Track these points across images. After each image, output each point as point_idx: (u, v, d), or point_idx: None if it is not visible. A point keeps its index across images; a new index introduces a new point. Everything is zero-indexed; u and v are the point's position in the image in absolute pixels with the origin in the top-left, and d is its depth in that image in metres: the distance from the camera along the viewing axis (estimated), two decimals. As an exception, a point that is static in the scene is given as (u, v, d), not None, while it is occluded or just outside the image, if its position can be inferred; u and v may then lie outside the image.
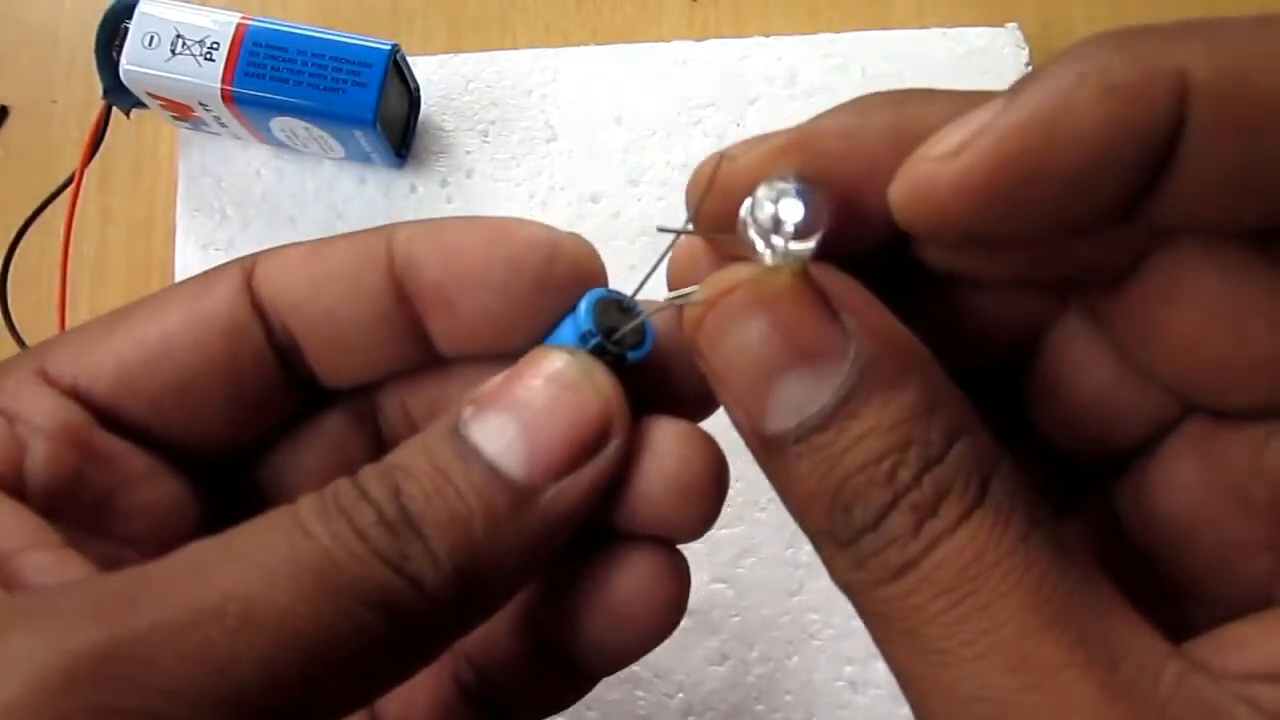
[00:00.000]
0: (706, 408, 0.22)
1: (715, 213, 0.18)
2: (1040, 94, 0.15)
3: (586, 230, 0.41)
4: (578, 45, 0.44)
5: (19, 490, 0.19)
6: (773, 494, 0.42)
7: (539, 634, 0.23)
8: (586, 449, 0.19)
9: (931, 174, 0.16)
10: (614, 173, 0.42)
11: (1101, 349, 0.19)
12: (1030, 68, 0.42)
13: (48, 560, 0.18)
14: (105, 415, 0.21)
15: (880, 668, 0.37)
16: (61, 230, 0.38)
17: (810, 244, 0.17)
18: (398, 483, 0.18)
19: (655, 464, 0.20)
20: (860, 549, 0.17)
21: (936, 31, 0.43)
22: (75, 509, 0.20)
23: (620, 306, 0.21)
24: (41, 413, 0.20)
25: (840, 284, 0.17)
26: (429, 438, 0.19)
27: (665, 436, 0.20)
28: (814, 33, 0.43)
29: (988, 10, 0.44)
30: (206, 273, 0.22)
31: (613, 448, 0.19)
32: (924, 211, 0.17)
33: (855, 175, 0.17)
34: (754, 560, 0.38)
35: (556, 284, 0.21)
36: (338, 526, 0.17)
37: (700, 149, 0.42)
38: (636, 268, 0.41)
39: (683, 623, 0.40)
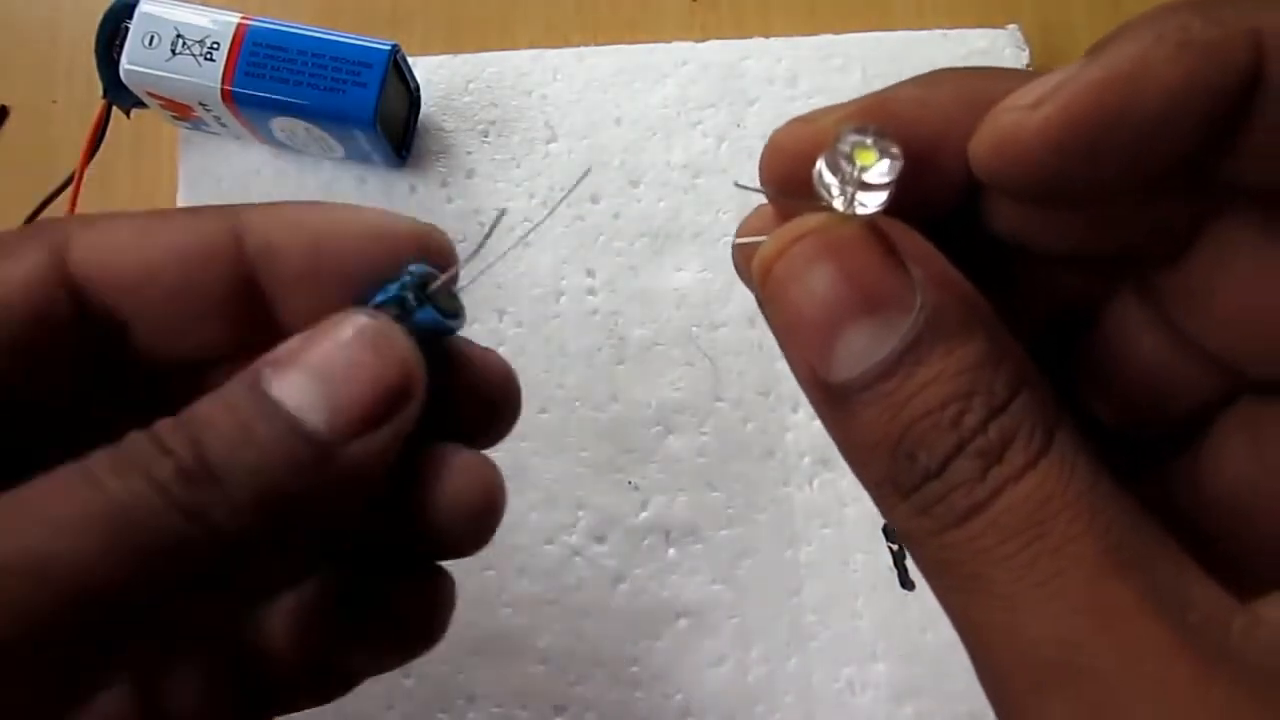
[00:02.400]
0: (503, 432, 0.23)
1: (787, 176, 0.19)
2: (1120, 51, 0.16)
3: (587, 230, 0.41)
4: (578, 45, 0.44)
5: None
6: (772, 496, 0.42)
7: (314, 651, 0.23)
8: (388, 407, 0.19)
9: (1014, 123, 0.16)
10: (614, 173, 0.42)
11: (1155, 325, 0.20)
12: (1030, 69, 0.42)
13: None
14: None
15: (880, 669, 0.37)
16: (61, 230, 0.38)
17: (883, 195, 0.17)
18: (197, 435, 0.18)
19: (443, 488, 0.21)
20: (925, 495, 0.17)
21: (937, 32, 0.43)
22: None
23: (448, 290, 0.21)
24: None
25: (908, 236, 0.18)
26: (228, 394, 0.19)
27: (457, 464, 0.21)
28: (814, 34, 0.43)
29: (988, 11, 0.44)
30: (4, 235, 0.21)
31: (413, 406, 0.20)
32: (1005, 161, 0.17)
33: (928, 136, 0.18)
34: (753, 562, 0.38)
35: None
36: (132, 481, 0.17)
37: (700, 149, 0.42)
38: (636, 268, 0.41)
39: (682, 624, 0.40)
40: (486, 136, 0.42)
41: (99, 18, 0.38)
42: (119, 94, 0.39)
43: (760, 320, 0.40)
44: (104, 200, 0.43)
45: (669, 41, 0.43)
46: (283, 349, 0.19)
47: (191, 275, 0.21)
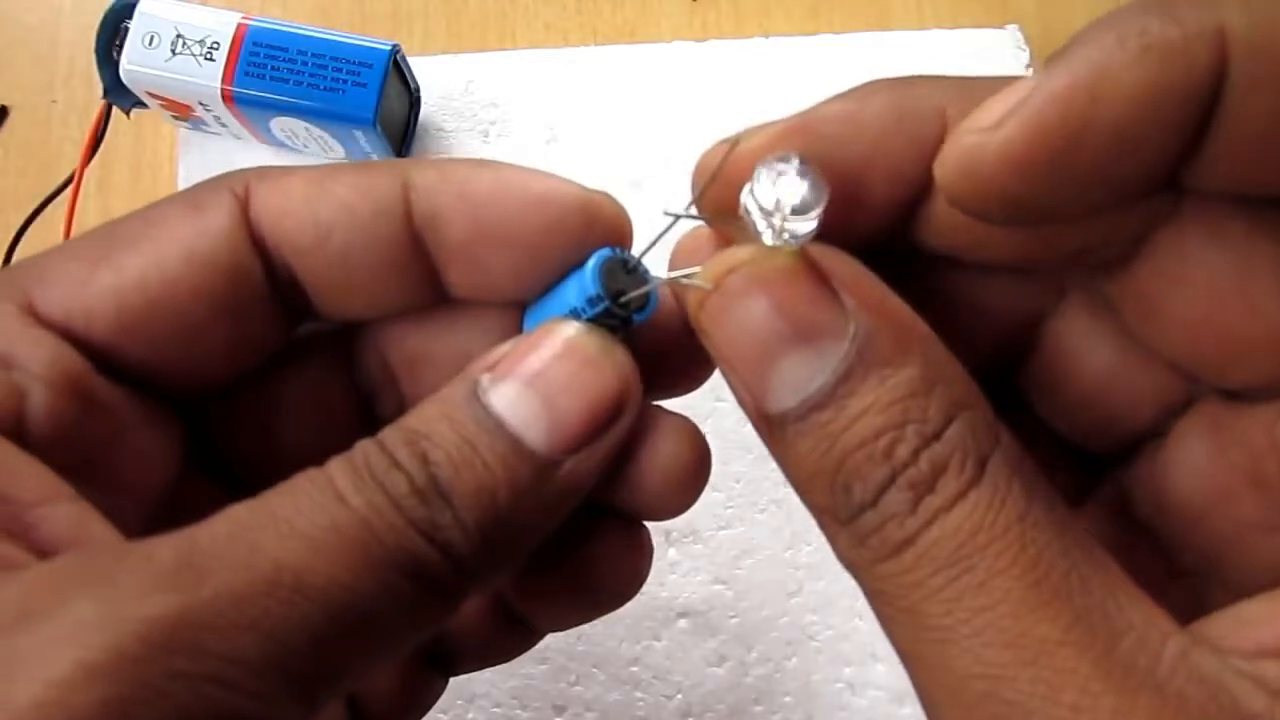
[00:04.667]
0: (699, 375, 0.22)
1: (719, 199, 0.19)
2: (1080, 59, 0.15)
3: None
4: (578, 45, 0.44)
5: (21, 439, 0.19)
6: (772, 496, 0.42)
7: (499, 595, 0.23)
8: (604, 424, 0.19)
9: (977, 146, 0.16)
10: (614, 173, 0.42)
11: (1104, 334, 0.19)
12: (1030, 69, 0.42)
13: (65, 514, 0.18)
14: (102, 359, 0.20)
15: (879, 669, 0.37)
16: (61, 230, 0.38)
17: (809, 224, 0.17)
18: (425, 450, 0.18)
19: (654, 455, 0.21)
20: (860, 526, 0.17)
21: (936, 33, 0.43)
22: (72, 458, 0.19)
23: (626, 267, 0.21)
24: (38, 359, 0.19)
25: (840, 262, 0.17)
26: (449, 404, 0.19)
27: (666, 429, 0.21)
28: (814, 33, 0.43)
29: (988, 11, 0.44)
30: (195, 191, 0.21)
31: (626, 421, 0.20)
32: (972, 185, 0.16)
33: (856, 157, 0.18)
34: (753, 561, 0.38)
35: (590, 246, 0.21)
36: (373, 496, 0.17)
37: (700, 149, 0.42)
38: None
39: (682, 624, 0.40)
40: (486, 136, 0.42)
41: (99, 18, 0.38)
42: (119, 94, 0.39)
43: (760, 320, 0.40)
44: (104, 200, 0.43)
45: (669, 41, 0.43)
46: (498, 354, 0.19)
47: (361, 235, 0.21)
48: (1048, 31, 0.44)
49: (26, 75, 0.45)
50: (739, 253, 0.18)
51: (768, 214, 0.17)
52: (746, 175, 0.17)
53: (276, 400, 0.23)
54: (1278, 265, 0.17)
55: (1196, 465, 0.19)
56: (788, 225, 0.17)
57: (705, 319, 0.18)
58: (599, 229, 0.21)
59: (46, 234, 0.39)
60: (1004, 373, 0.21)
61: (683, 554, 0.38)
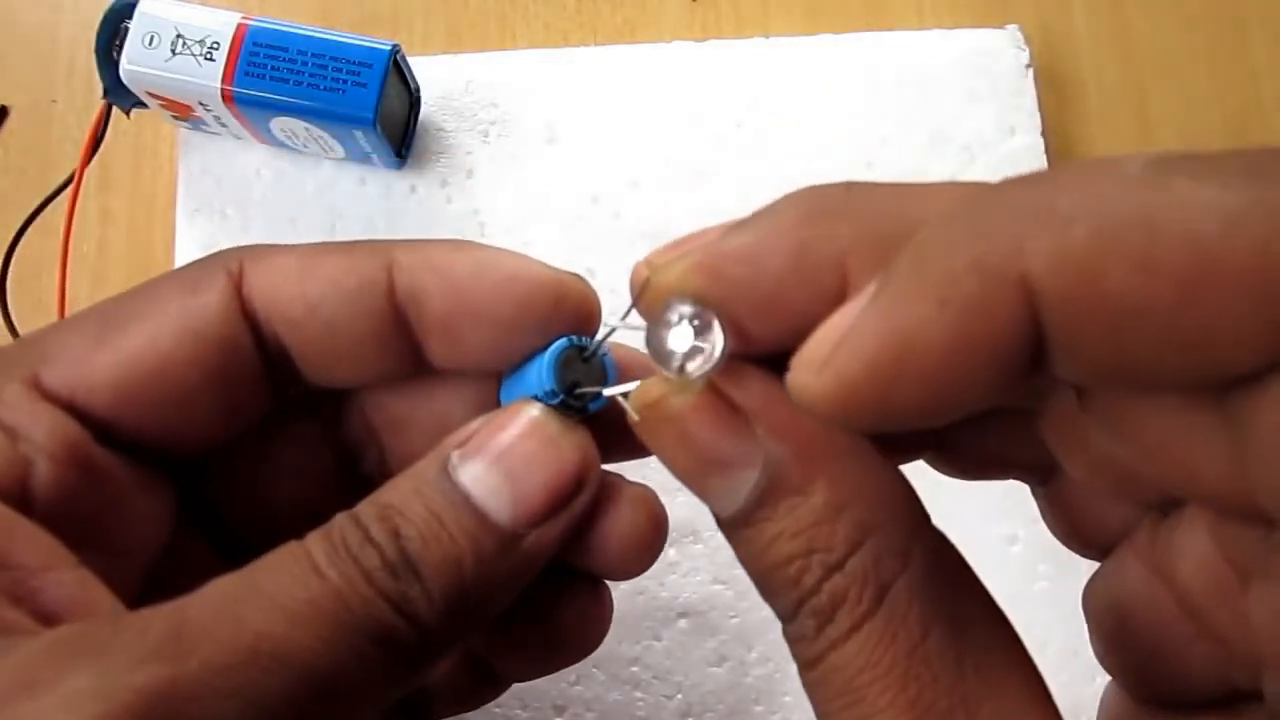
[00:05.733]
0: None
1: (650, 312, 0.19)
2: (888, 307, 0.15)
3: (586, 230, 0.41)
4: (578, 45, 0.44)
5: (26, 507, 0.20)
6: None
7: (470, 649, 0.25)
8: (564, 499, 0.21)
9: (807, 385, 0.16)
10: (614, 173, 0.42)
11: (1081, 431, 0.19)
12: (1030, 69, 0.42)
13: (68, 580, 0.19)
14: (102, 430, 0.22)
15: (879, 669, 0.37)
16: (61, 230, 0.38)
17: (712, 364, 0.18)
18: (397, 525, 0.20)
19: (614, 523, 0.22)
20: (786, 633, 0.18)
21: (936, 32, 0.43)
22: (74, 524, 0.20)
23: (582, 355, 0.22)
24: (43, 430, 0.21)
25: (750, 388, 0.18)
26: (421, 480, 0.21)
27: (625, 499, 0.23)
28: (814, 33, 0.43)
29: (988, 11, 0.44)
30: (191, 270, 0.23)
31: (586, 496, 0.22)
32: (815, 411, 0.17)
33: (755, 301, 0.18)
34: (753, 561, 0.38)
35: (558, 324, 0.22)
36: (347, 569, 0.19)
37: (700, 149, 0.42)
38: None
39: (682, 624, 0.40)
40: (486, 136, 0.42)
41: (99, 18, 0.38)
42: (119, 94, 0.39)
43: (760, 320, 0.40)
44: (104, 200, 0.43)
45: (669, 41, 0.43)
46: (468, 431, 0.21)
47: (346, 310, 0.22)
48: (1047, 31, 0.44)
49: (26, 75, 0.44)
50: (654, 387, 0.19)
51: (674, 355, 0.18)
52: (660, 300, 0.18)
53: (264, 458, 0.25)
54: (1207, 426, 0.16)
55: (1136, 578, 0.20)
56: (691, 365, 0.18)
57: (644, 437, 0.19)
58: (567, 308, 0.22)
59: (46, 234, 0.39)
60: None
61: (683, 554, 0.38)
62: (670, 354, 0.18)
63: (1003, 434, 0.21)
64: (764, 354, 0.18)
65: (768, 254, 0.18)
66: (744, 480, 0.18)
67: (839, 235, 0.17)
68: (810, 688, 0.18)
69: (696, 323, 0.18)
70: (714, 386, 0.18)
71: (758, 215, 0.18)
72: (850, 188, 0.18)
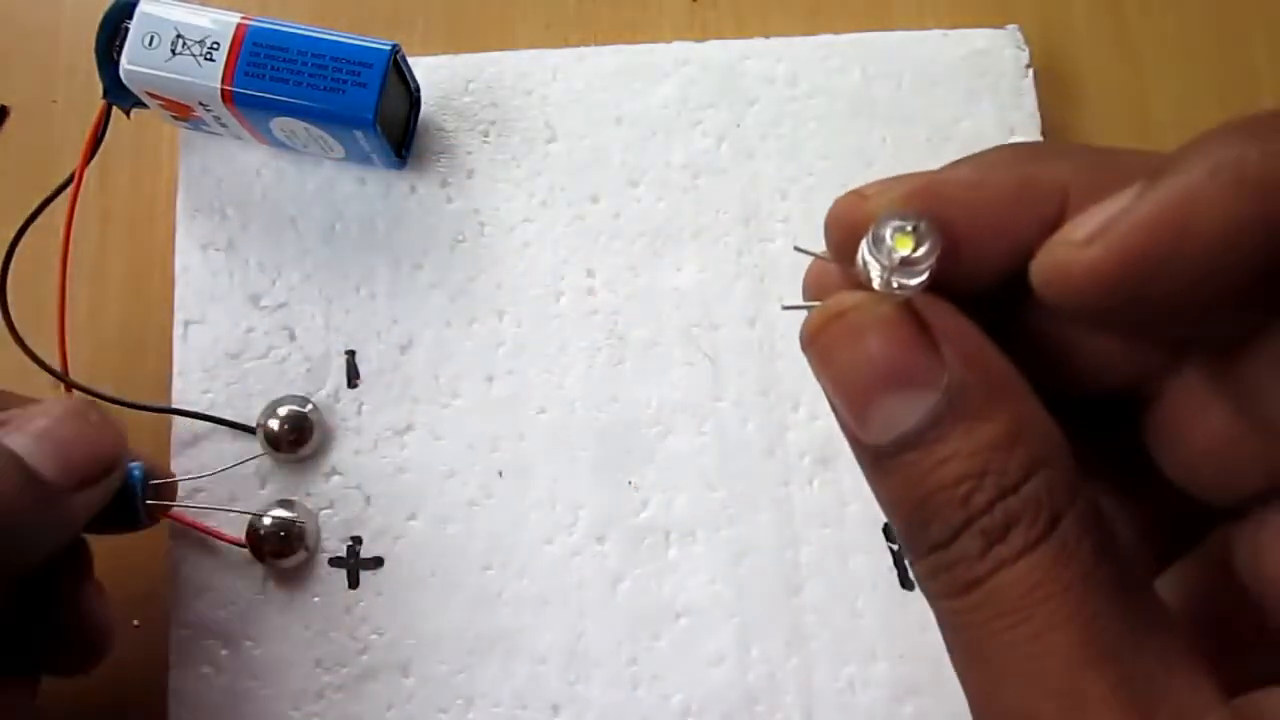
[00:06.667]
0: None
1: (841, 245, 0.20)
2: (1172, 188, 0.16)
3: (586, 230, 0.41)
4: (578, 45, 0.44)
5: None
6: (772, 495, 0.42)
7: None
8: (103, 471, 0.29)
9: (1066, 259, 0.17)
10: (614, 173, 0.42)
11: (1220, 398, 0.20)
12: (1030, 69, 0.42)
13: None
14: None
15: (880, 668, 0.37)
16: (61, 230, 0.38)
17: (918, 278, 0.18)
18: None
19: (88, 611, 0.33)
20: (934, 561, 0.18)
21: (936, 32, 0.43)
22: None
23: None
24: None
25: (943, 315, 0.18)
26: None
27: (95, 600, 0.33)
28: (814, 33, 0.43)
29: (988, 11, 0.44)
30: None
31: (116, 477, 0.29)
32: (1060, 293, 0.17)
33: (977, 226, 0.19)
34: (753, 562, 0.38)
35: None
36: None
37: (700, 149, 0.42)
38: (636, 268, 0.41)
39: (682, 624, 0.40)
40: (486, 136, 0.42)
41: (99, 18, 0.38)
42: (119, 94, 0.39)
43: (760, 320, 0.40)
44: (104, 200, 0.43)
45: (669, 41, 0.43)
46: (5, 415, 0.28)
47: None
48: (1048, 31, 0.44)
49: (26, 75, 0.44)
50: (849, 297, 0.19)
51: (881, 265, 0.18)
52: (868, 223, 0.18)
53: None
54: None
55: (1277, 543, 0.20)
56: (897, 277, 0.18)
57: (815, 352, 0.19)
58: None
59: (46, 234, 0.39)
60: (1127, 413, 0.21)
61: (683, 554, 0.38)
62: (887, 255, 0.18)
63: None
64: (960, 289, 0.19)
65: (992, 183, 0.18)
66: (920, 401, 0.18)
67: (1061, 170, 0.18)
68: (961, 614, 0.18)
69: (913, 236, 0.18)
70: (909, 304, 0.18)
71: (973, 156, 0.19)
72: (1059, 143, 0.19)
